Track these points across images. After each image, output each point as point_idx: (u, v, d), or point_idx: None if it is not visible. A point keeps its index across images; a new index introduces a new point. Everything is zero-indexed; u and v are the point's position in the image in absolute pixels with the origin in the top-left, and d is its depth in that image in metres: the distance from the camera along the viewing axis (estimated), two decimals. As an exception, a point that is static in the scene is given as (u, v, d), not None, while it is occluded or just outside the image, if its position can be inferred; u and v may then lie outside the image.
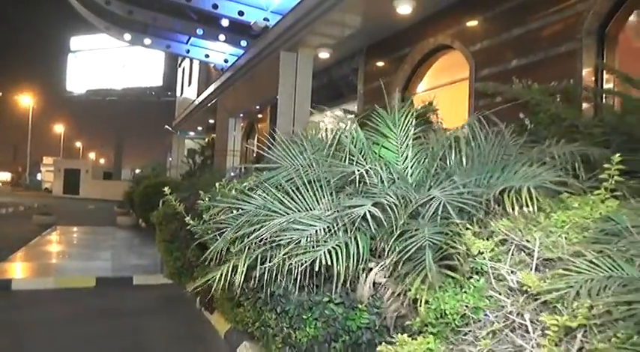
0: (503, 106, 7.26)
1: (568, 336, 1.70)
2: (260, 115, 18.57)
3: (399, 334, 2.09)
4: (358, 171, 2.69)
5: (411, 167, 3.02)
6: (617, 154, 4.16)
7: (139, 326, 6.45)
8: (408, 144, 3.04)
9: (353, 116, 8.54)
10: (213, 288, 3.06)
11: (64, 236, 15.30)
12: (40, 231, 15.10)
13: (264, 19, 14.19)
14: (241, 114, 17.09)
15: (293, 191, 2.92)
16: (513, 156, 2.97)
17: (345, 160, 3.00)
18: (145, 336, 6.09)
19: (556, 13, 7.15)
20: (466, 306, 2.30)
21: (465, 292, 2.36)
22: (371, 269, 2.83)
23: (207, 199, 3.94)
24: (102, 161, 76.44)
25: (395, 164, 3.00)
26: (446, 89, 9.72)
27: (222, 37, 16.61)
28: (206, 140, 22.43)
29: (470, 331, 2.17)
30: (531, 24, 7.54)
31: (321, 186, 2.89)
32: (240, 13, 14.48)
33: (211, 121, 22.05)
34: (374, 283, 3.01)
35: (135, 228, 17.89)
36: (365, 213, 2.51)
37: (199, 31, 16.94)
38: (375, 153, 3.07)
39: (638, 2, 6.58)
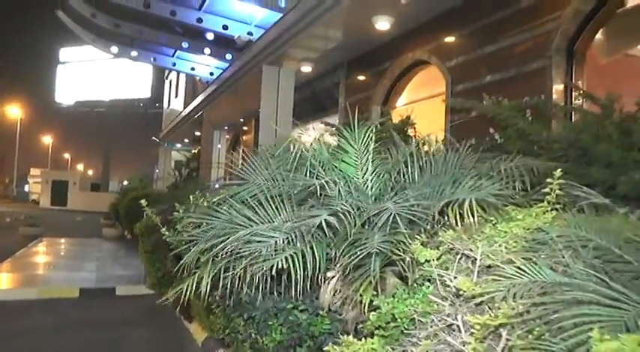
0: (464, 119, 7.52)
1: (492, 334, 1.87)
2: (245, 128, 18.74)
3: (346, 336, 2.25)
4: (318, 182, 2.87)
5: (371, 180, 3.20)
6: (573, 168, 4.36)
7: (120, 335, 6.56)
8: (367, 159, 3.22)
9: (334, 129, 8.73)
10: (182, 297, 3.21)
11: (49, 247, 15.33)
12: (26, 243, 15.13)
13: (247, 33, 14.43)
14: (226, 127, 17.26)
15: (256, 205, 3.09)
16: (467, 170, 3.15)
17: (307, 174, 3.18)
18: (126, 345, 6.21)
19: (526, 31, 7.39)
20: (415, 311, 2.46)
21: (416, 297, 2.53)
22: (333, 277, 3.00)
23: (181, 211, 4.10)
24: (90, 172, 76.05)
25: (355, 177, 3.18)
26: (425, 103, 9.94)
27: (207, 50, 16.82)
28: (192, 152, 22.53)
29: (417, 333, 2.33)
30: (504, 41, 7.79)
31: (282, 200, 3.06)
32: (225, 27, 14.71)
33: (197, 133, 22.18)
34: (336, 291, 3.17)
35: (120, 240, 17.92)
36: (321, 223, 2.69)
37: (185, 45, 17.15)
38: (336, 167, 3.25)
39: (603, 21, 6.84)
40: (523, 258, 2.05)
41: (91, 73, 58.60)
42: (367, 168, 3.18)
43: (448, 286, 2.43)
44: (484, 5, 8.19)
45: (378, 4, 8.90)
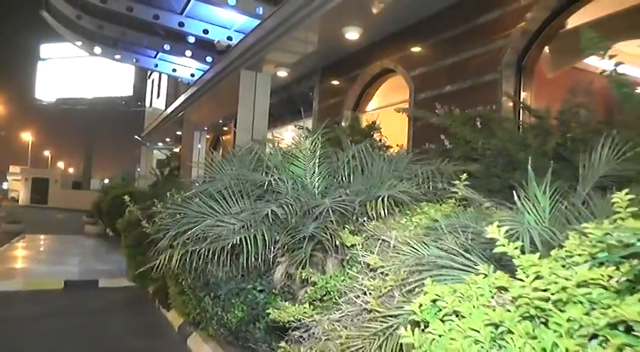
0: (424, 125, 8.12)
1: (389, 296, 2.50)
2: (226, 128, 19.27)
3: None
4: (267, 180, 3.51)
5: (318, 180, 3.82)
6: (501, 172, 5.01)
7: (103, 322, 7.11)
8: (315, 163, 3.84)
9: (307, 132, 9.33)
10: (152, 269, 3.81)
11: (32, 243, 15.74)
12: (8, 239, 15.50)
13: (227, 38, 14.98)
14: (206, 128, 17.77)
15: (220, 199, 3.70)
16: (399, 172, 3.79)
17: (263, 173, 3.81)
18: (108, 331, 6.75)
19: (481, 46, 8.06)
20: (344, 285, 3.09)
21: (345, 275, 3.16)
22: (280, 262, 3.62)
23: (159, 206, 4.69)
24: (71, 170, 75.71)
25: (304, 178, 3.81)
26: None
27: (188, 52, 17.32)
28: (173, 151, 22.98)
29: (342, 302, 2.96)
30: (462, 54, 8.45)
31: (242, 195, 3.68)
32: (205, 32, 15.25)
33: (179, 133, 22.62)
34: (287, 273, 3.78)
35: (102, 237, 18.37)
36: (268, 213, 3.32)
37: (167, 47, 17.60)
38: (287, 169, 3.88)
39: (548, 40, 7.54)
40: (417, 241, 2.69)
41: (73, 70, 58.52)
42: (315, 171, 3.82)
43: (366, 263, 3.06)
44: (445, 20, 8.86)
45: (348, 16, 9.50)
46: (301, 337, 2.77)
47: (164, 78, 28.54)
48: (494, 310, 1.52)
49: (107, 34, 18.13)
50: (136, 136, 33.23)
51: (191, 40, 16.58)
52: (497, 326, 1.39)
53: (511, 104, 7.61)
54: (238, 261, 3.38)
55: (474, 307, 1.55)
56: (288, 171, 3.81)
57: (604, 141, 3.06)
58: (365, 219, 3.33)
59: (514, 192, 2.71)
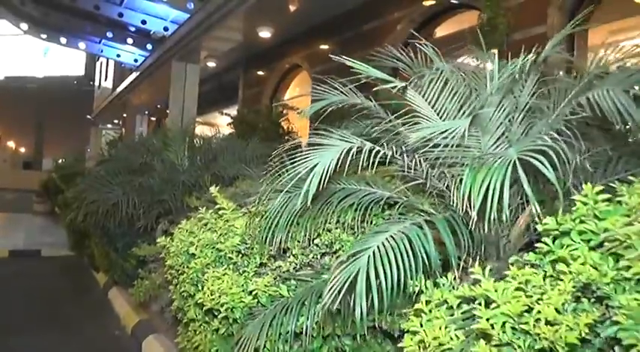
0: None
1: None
2: (168, 111, 20.40)
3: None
4: (146, 160, 5.03)
5: (186, 162, 5.31)
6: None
7: (43, 283, 8.40)
8: (184, 148, 5.32)
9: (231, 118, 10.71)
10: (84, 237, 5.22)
11: (-19, 221, 16.69)
12: (-42, 218, 16.44)
13: (163, 29, 16.11)
14: (147, 112, 18.89)
15: (113, 173, 5.18)
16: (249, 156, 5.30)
17: (143, 156, 5.31)
18: (48, 290, 8.03)
19: (366, 48, 9.54)
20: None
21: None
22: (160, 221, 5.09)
23: (80, 180, 6.13)
24: (22, 150, 74.70)
25: (175, 159, 5.30)
26: (304, 100, 12.03)
27: (130, 40, 18.30)
28: (120, 133, 24.01)
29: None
30: (351, 55, 9.90)
31: (127, 171, 5.17)
32: (143, 22, 16.33)
33: (125, 115, 23.59)
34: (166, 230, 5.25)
35: (50, 215, 19.31)
36: (137, 183, 4.83)
37: (109, 34, 18.51)
38: (163, 153, 5.37)
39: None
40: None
41: (23, 48, 57.84)
42: (184, 154, 5.31)
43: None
44: (339, 25, 10.33)
45: (263, 15, 10.81)
46: (155, 267, 4.26)
47: (111, 61, 29.15)
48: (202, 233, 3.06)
49: (52, 21, 18.89)
50: (88, 116, 33.77)
51: (132, 28, 17.59)
52: (200, 240, 2.93)
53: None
54: (124, 218, 4.85)
55: (196, 227, 3.09)
56: (165, 154, 5.29)
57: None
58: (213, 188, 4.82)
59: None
